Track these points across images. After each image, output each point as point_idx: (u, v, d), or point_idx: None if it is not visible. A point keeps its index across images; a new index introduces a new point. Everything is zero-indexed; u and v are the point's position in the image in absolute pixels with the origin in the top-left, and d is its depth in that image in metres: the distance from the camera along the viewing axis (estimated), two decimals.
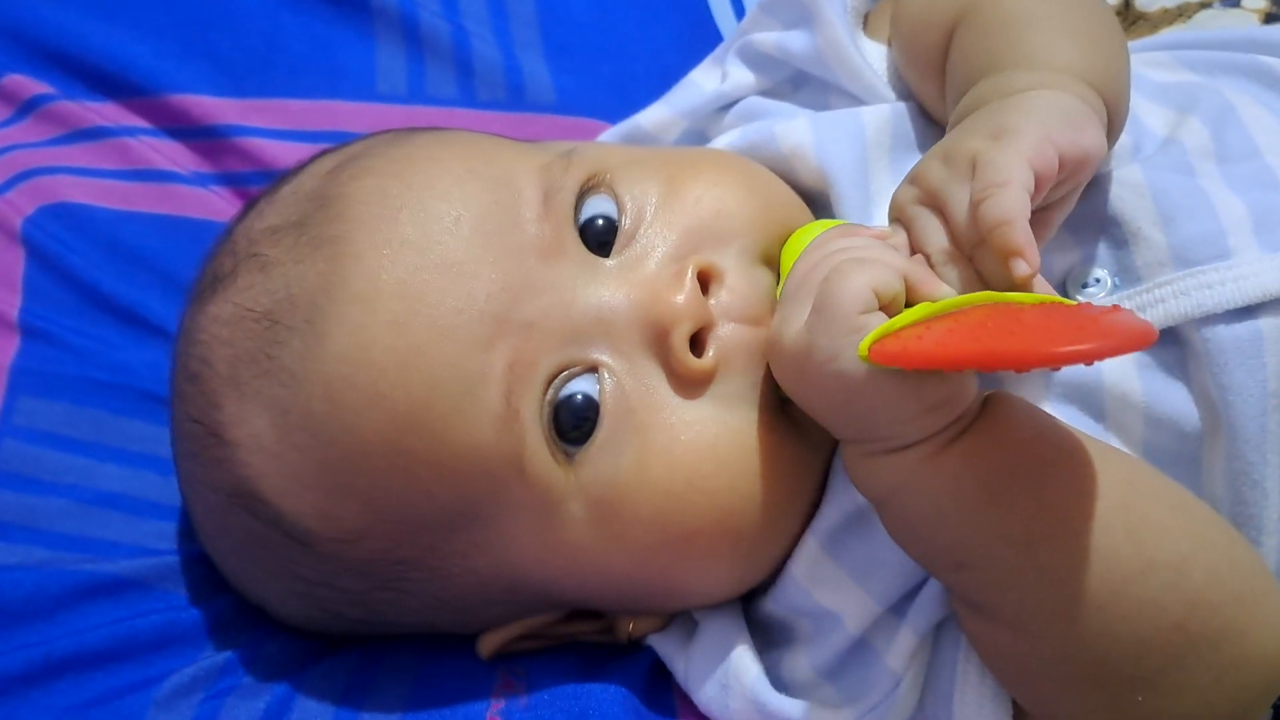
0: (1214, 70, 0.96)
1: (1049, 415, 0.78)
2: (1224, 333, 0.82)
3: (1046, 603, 0.75)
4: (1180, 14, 1.21)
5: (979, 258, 0.78)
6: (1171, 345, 0.84)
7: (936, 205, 0.80)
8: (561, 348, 0.82)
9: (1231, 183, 0.86)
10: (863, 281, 0.74)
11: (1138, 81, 0.95)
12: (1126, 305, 0.84)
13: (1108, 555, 0.74)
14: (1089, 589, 0.74)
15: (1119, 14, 1.22)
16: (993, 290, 0.75)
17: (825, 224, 0.87)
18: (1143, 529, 0.75)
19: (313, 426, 0.81)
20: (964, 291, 0.77)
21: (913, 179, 0.82)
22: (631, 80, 1.15)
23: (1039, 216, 0.80)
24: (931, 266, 0.79)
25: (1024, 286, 0.74)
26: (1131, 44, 1.07)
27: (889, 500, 0.79)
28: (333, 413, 0.81)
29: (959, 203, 0.78)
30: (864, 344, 0.72)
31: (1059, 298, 0.75)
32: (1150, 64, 0.99)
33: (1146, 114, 0.92)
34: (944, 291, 0.76)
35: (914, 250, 0.80)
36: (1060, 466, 0.76)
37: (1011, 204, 0.75)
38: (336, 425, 0.81)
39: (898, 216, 0.82)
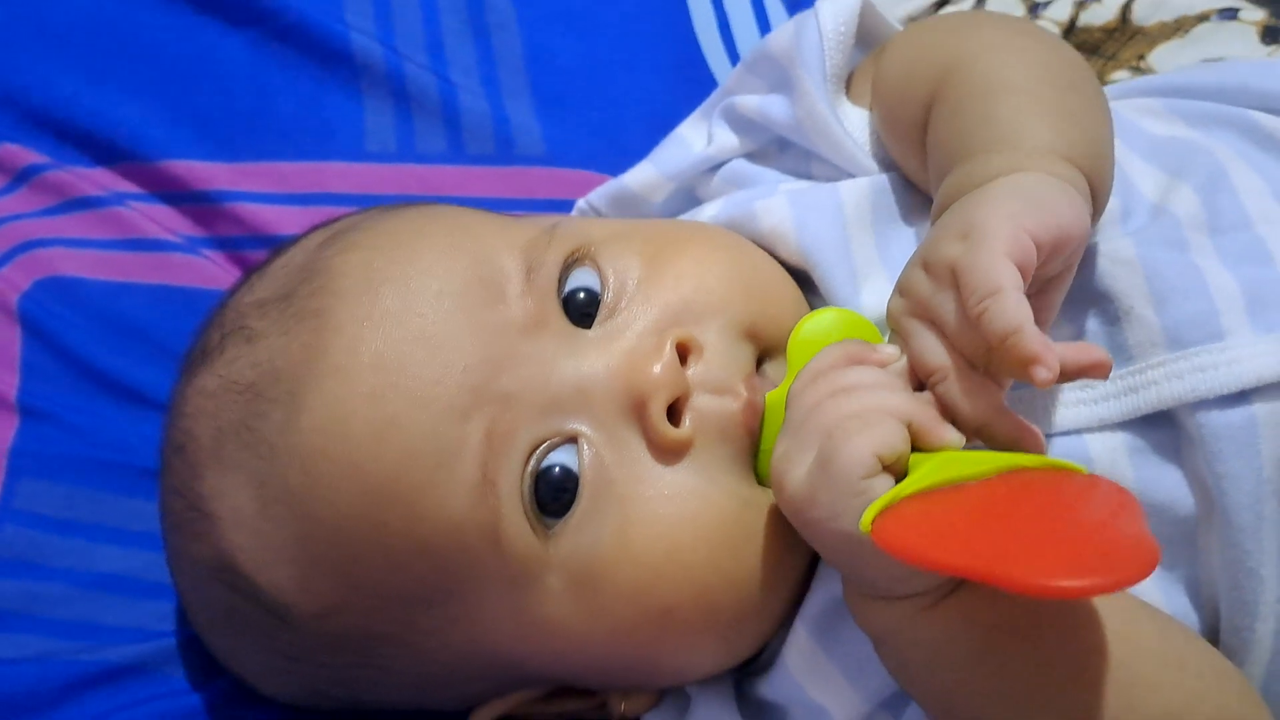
0: (1207, 123, 0.93)
1: None
2: (1218, 419, 0.80)
3: None
4: (1178, 28, 1.19)
5: (991, 364, 0.76)
6: (1165, 428, 0.82)
7: (929, 318, 0.78)
8: (540, 419, 0.82)
9: (1224, 257, 0.84)
10: (867, 448, 0.73)
11: (1129, 132, 0.92)
12: (1120, 384, 0.83)
13: (1096, 714, 0.73)
14: None
15: (1116, 30, 1.20)
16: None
17: (831, 316, 0.85)
18: (1134, 688, 0.74)
19: (289, 499, 0.82)
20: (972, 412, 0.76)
21: (901, 290, 0.80)
22: (622, 127, 1.14)
23: (1036, 301, 0.78)
24: (933, 386, 0.77)
25: (1044, 386, 0.73)
26: (1124, 86, 1.04)
27: (882, 641, 0.78)
28: (308, 485, 0.81)
29: (949, 314, 0.77)
30: (865, 519, 0.70)
31: (1070, 465, 0.73)
32: (1142, 111, 0.96)
33: (1138, 175, 0.90)
34: (950, 438, 0.75)
35: (915, 363, 0.79)
36: (1054, 625, 0.74)
37: (1012, 311, 0.73)
38: (312, 497, 0.81)
39: (894, 328, 0.81)
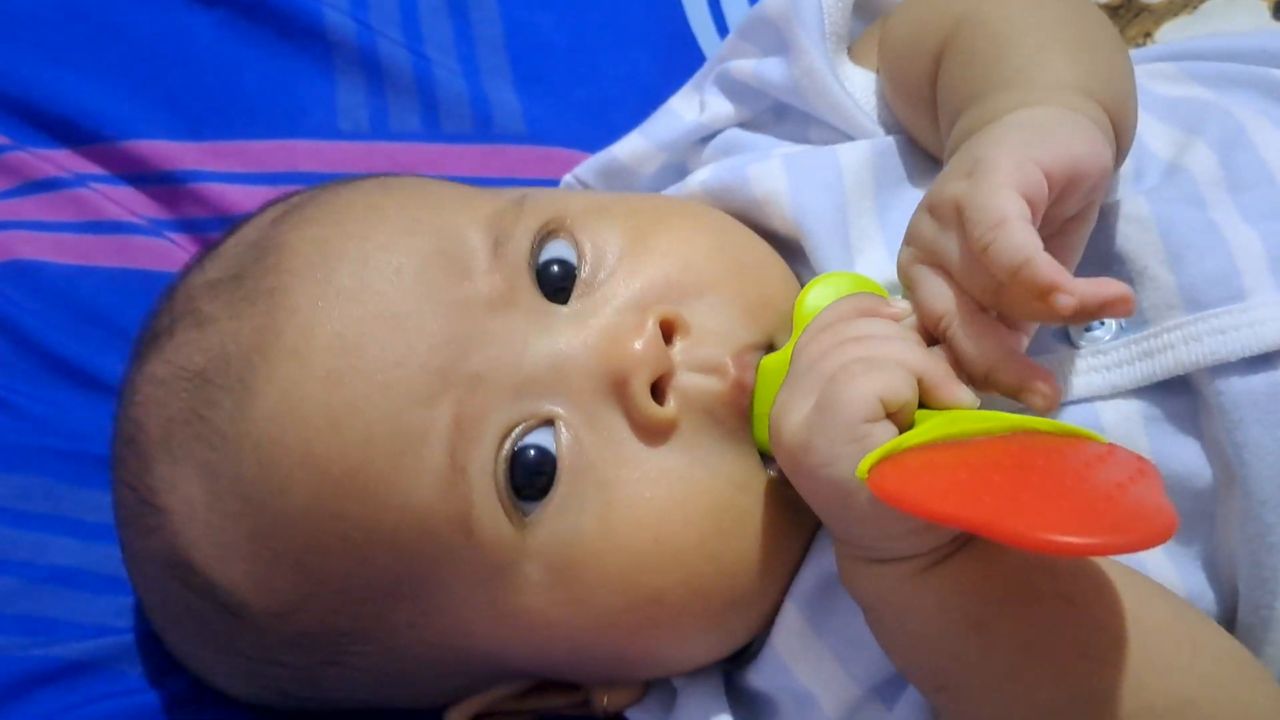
0: (1223, 84, 0.89)
1: None
2: (1239, 385, 0.76)
3: None
4: (1186, 4, 1.16)
5: (1003, 305, 0.72)
6: (1182, 395, 0.78)
7: (935, 262, 0.74)
8: (513, 401, 0.77)
9: (1245, 214, 0.80)
10: (871, 389, 0.69)
11: (1142, 94, 0.88)
12: (1134, 349, 0.79)
13: (1102, 696, 0.69)
14: None
15: (1121, 7, 1.17)
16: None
17: (839, 280, 0.81)
18: (1143, 670, 0.69)
19: (243, 491, 0.77)
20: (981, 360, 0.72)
21: (908, 238, 0.76)
22: (607, 105, 1.10)
23: (1054, 243, 0.74)
24: (943, 333, 0.74)
25: (1066, 319, 0.69)
26: (1135, 53, 1.01)
27: (873, 609, 0.74)
28: (263, 476, 0.76)
29: (954, 254, 0.73)
30: (864, 464, 0.66)
31: (1086, 431, 0.69)
32: (1155, 75, 0.92)
33: (1150, 134, 0.86)
34: (962, 396, 0.71)
35: (922, 311, 0.75)
36: (1058, 598, 0.70)
37: (1019, 240, 0.69)
38: (267, 489, 0.76)
39: (903, 280, 0.77)
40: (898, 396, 0.69)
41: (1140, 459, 0.68)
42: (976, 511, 0.61)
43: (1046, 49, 0.81)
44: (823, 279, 0.81)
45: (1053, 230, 0.75)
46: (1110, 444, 0.69)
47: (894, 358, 0.71)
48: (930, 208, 0.75)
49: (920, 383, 0.70)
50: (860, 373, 0.69)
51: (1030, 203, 0.70)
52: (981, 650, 0.70)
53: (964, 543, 0.70)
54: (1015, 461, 0.66)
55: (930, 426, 0.67)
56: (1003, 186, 0.70)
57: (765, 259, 0.86)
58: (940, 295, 0.74)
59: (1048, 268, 0.68)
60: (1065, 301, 0.67)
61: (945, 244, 0.74)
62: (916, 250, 0.76)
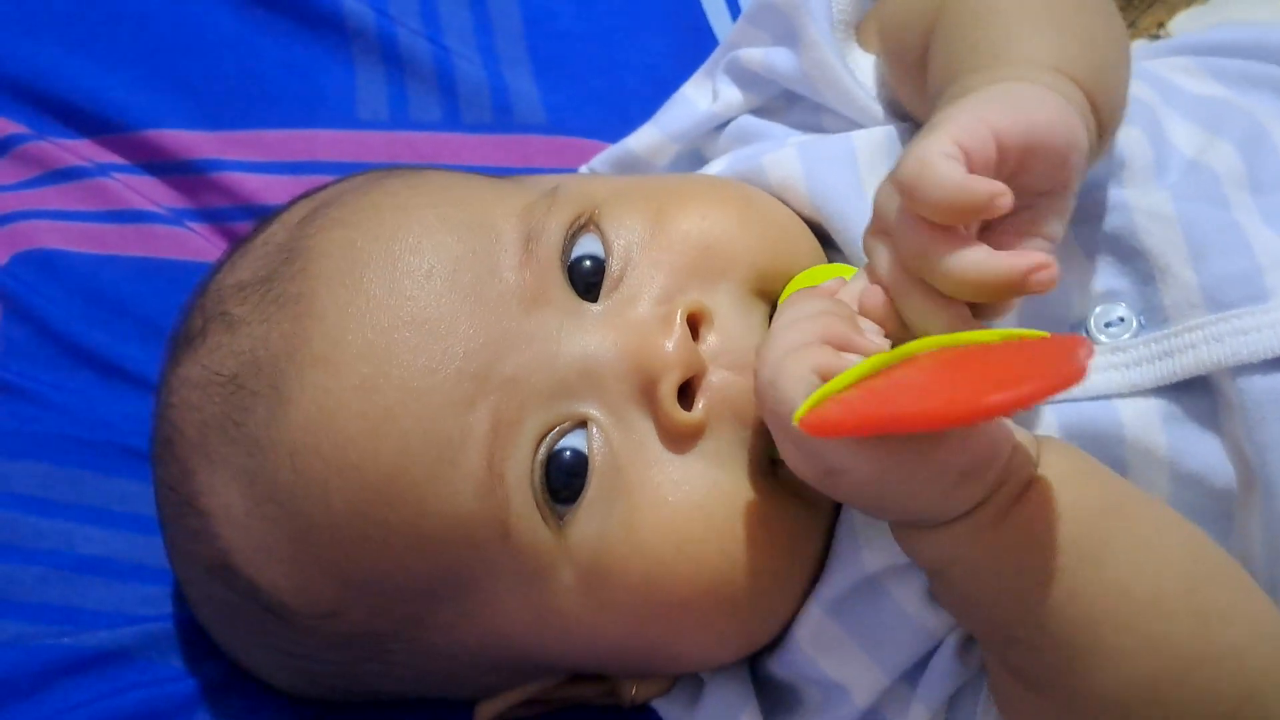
0: (1244, 84, 0.89)
1: (1108, 473, 0.73)
2: (1260, 384, 0.76)
3: (1103, 686, 0.71)
4: None
5: (926, 270, 0.72)
6: (1202, 394, 0.78)
7: (885, 230, 0.74)
8: (548, 403, 0.77)
9: (1267, 217, 0.80)
10: (791, 383, 0.69)
11: (1164, 88, 0.89)
12: (1154, 348, 0.79)
13: (1173, 640, 0.70)
14: (1150, 676, 0.70)
15: None
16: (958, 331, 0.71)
17: (817, 273, 0.82)
18: (1209, 613, 0.71)
19: (280, 497, 0.78)
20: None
21: (873, 211, 0.76)
22: (625, 94, 1.10)
23: (1025, 215, 0.74)
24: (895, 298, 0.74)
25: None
26: (1152, 47, 1.01)
27: (943, 572, 0.74)
28: (299, 483, 0.77)
29: (893, 219, 0.73)
30: (796, 415, 0.67)
31: (1021, 331, 0.69)
32: (1176, 70, 0.92)
33: (1173, 130, 0.86)
34: (876, 345, 0.71)
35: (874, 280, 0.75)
36: (1127, 540, 0.71)
37: (927, 164, 0.69)
38: (304, 496, 0.77)
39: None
40: (823, 368, 0.69)
41: (1071, 336, 0.70)
42: (895, 410, 0.64)
43: (1019, 26, 0.80)
44: (801, 277, 0.82)
45: (1020, 204, 0.74)
46: (1045, 334, 0.70)
47: (791, 345, 0.71)
48: (890, 178, 0.74)
49: (835, 345, 0.71)
50: (769, 384, 0.71)
51: (973, 158, 0.70)
52: (1055, 599, 0.70)
53: (1025, 488, 0.70)
54: (937, 365, 0.67)
55: (860, 368, 0.68)
56: (943, 136, 0.70)
57: (789, 225, 0.86)
58: (881, 264, 0.74)
59: (938, 165, 0.68)
60: (985, 197, 0.68)
61: (889, 209, 0.73)
62: (873, 223, 0.75)
